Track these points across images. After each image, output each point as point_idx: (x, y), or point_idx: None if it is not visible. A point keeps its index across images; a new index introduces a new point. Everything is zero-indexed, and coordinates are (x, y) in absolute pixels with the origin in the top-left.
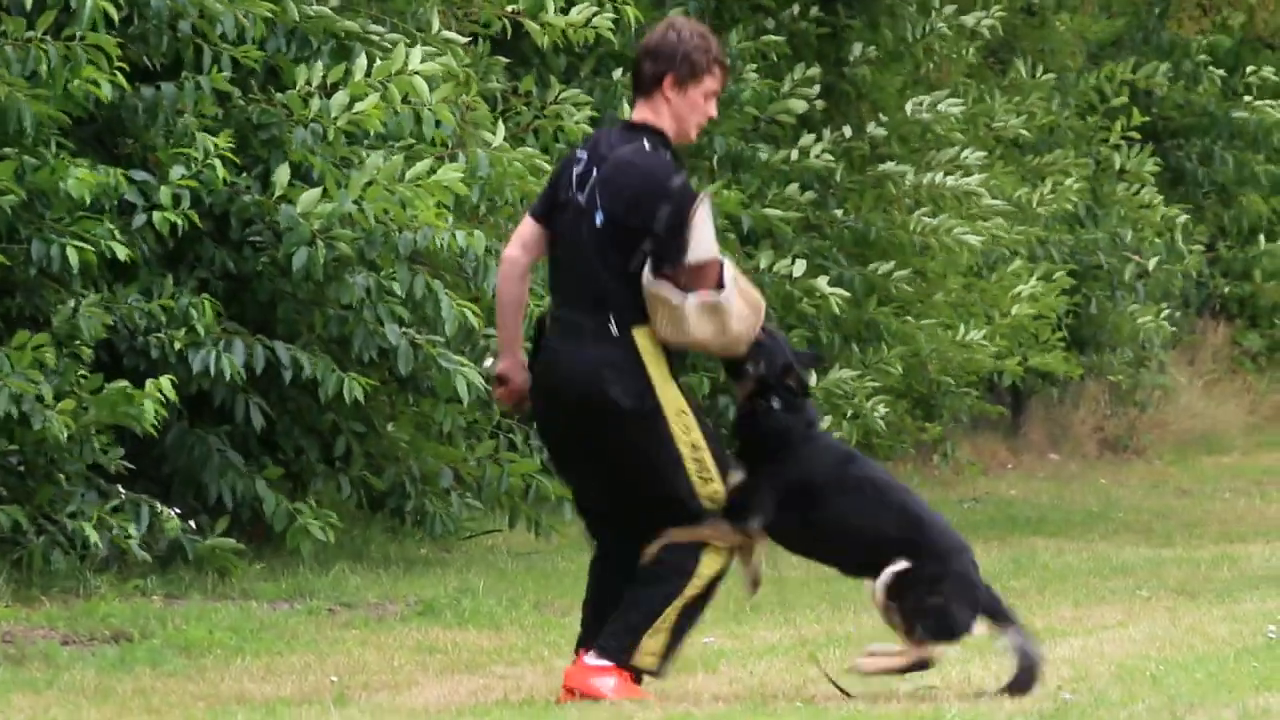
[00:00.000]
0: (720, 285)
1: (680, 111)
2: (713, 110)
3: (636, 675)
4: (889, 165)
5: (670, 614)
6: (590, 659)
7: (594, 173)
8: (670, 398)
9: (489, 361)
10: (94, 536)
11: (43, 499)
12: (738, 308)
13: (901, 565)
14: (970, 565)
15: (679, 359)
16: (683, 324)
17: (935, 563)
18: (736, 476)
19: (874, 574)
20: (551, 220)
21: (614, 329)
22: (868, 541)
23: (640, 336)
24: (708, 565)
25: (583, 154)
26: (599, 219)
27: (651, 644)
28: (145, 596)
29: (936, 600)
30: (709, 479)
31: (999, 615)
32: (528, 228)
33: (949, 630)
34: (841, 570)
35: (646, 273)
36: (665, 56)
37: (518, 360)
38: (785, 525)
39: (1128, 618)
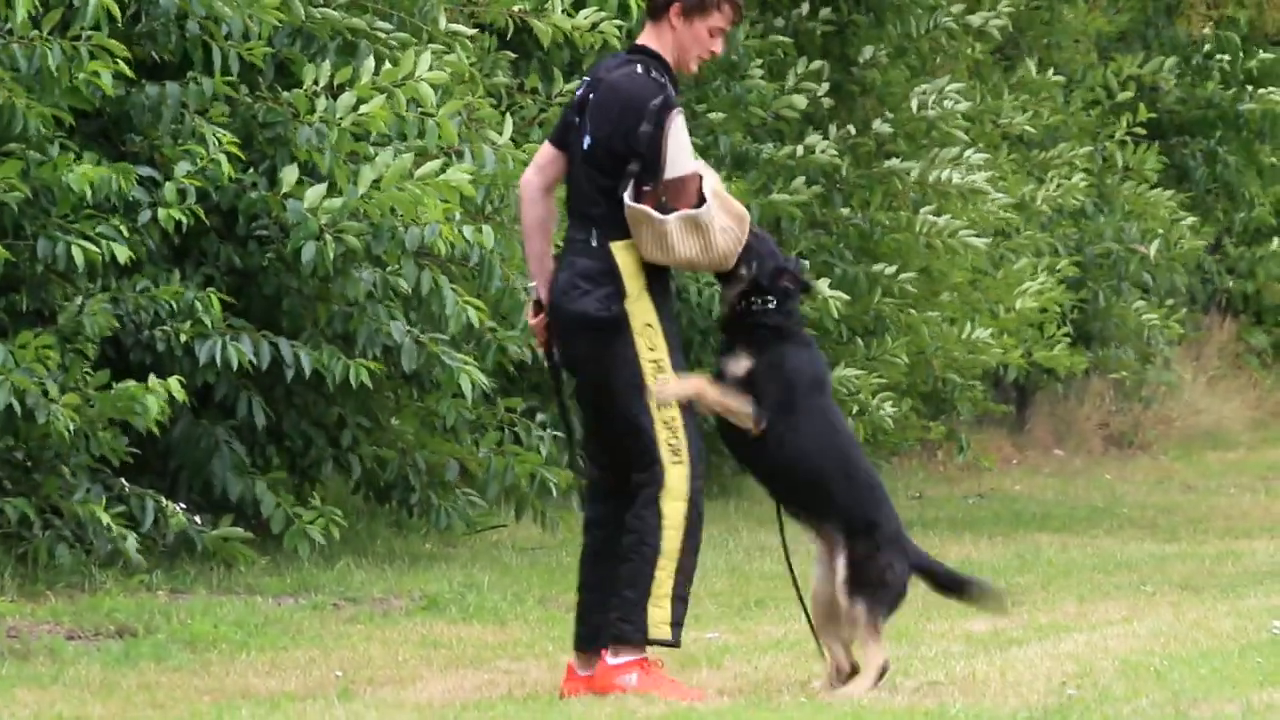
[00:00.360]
0: (700, 200)
1: (683, 41)
2: (718, 47)
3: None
4: (894, 161)
5: (664, 579)
6: (611, 658)
7: (591, 95)
8: (640, 311)
9: (532, 283)
10: (106, 519)
11: (49, 490)
12: (720, 221)
13: (843, 561)
14: (894, 517)
15: (661, 278)
16: (667, 242)
17: (870, 536)
18: (742, 364)
19: (796, 512)
20: (566, 145)
21: (594, 241)
22: (807, 478)
23: (618, 250)
24: (670, 513)
25: (586, 79)
26: (586, 141)
27: (658, 614)
28: (150, 591)
29: (887, 576)
30: (667, 402)
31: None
32: (543, 151)
33: (898, 593)
34: (773, 495)
35: (628, 195)
36: None
37: (548, 283)
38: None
39: (1132, 613)
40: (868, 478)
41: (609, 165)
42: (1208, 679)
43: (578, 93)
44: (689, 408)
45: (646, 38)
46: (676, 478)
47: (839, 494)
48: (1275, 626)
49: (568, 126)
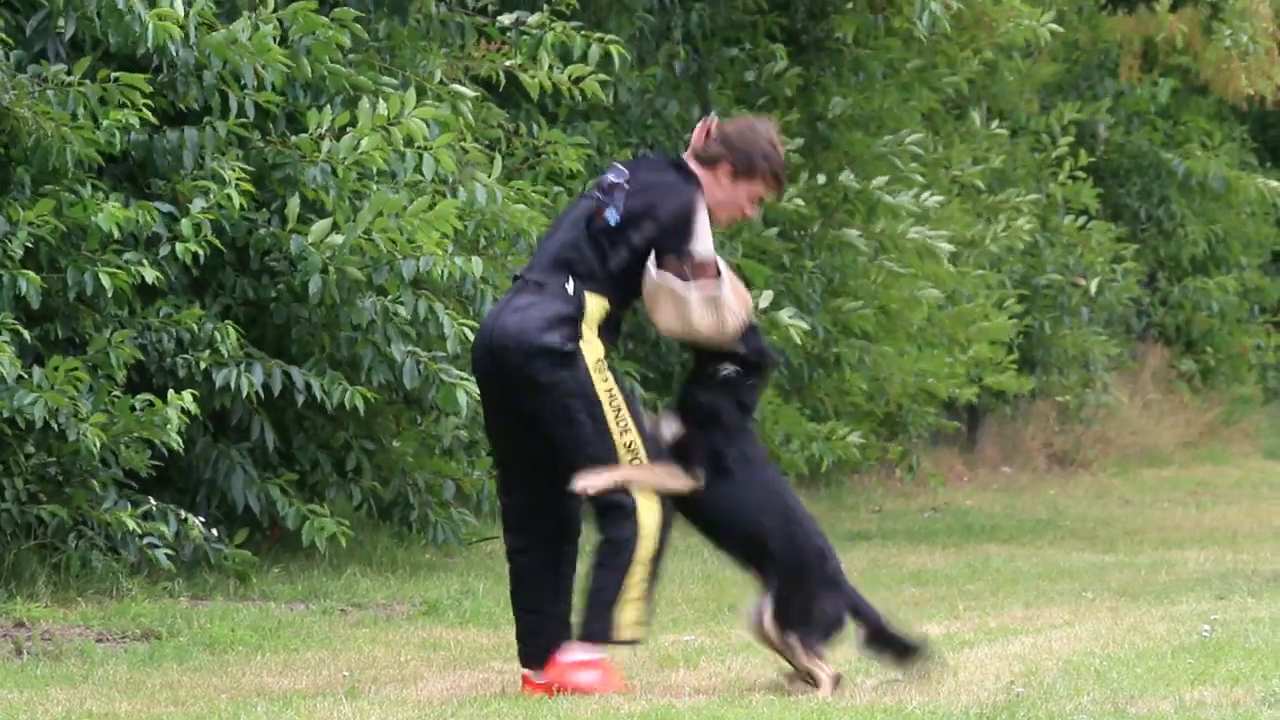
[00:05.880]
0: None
1: (723, 198)
2: (752, 211)
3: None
4: (851, 233)
5: (634, 583)
6: (564, 656)
7: (626, 186)
8: (592, 351)
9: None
10: (132, 525)
11: (79, 503)
12: (731, 301)
13: (769, 600)
14: (836, 570)
15: (609, 335)
16: (688, 313)
17: (795, 571)
18: (673, 427)
19: (740, 562)
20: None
21: (570, 288)
22: (747, 530)
23: (590, 301)
24: (646, 523)
25: (623, 169)
26: (613, 218)
27: (628, 615)
28: (173, 598)
29: (813, 604)
30: (626, 429)
31: (861, 611)
32: None
33: (832, 626)
34: (716, 545)
35: (650, 267)
36: (732, 146)
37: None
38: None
39: (1074, 617)
40: (803, 523)
41: (627, 251)
42: (1143, 678)
43: (609, 177)
44: (644, 428)
45: (699, 174)
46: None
47: (775, 543)
48: (1205, 630)
49: (582, 198)
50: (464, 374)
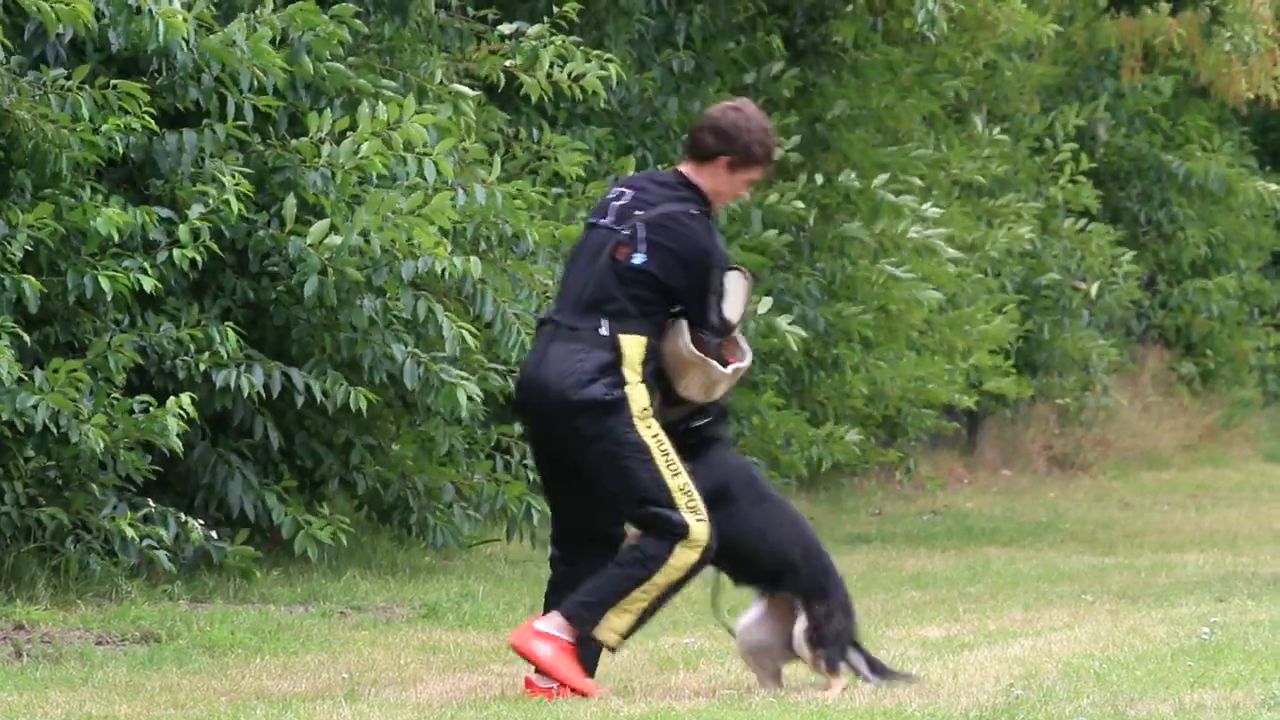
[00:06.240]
0: (740, 352)
1: (723, 187)
2: (747, 193)
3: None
4: (853, 226)
5: (640, 597)
6: (540, 624)
7: (637, 212)
8: (638, 396)
9: None
10: (131, 533)
11: (79, 506)
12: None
13: (802, 621)
14: (846, 589)
15: (654, 373)
16: (716, 389)
17: (825, 596)
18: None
19: (760, 586)
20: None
21: (604, 330)
22: (769, 554)
23: (627, 343)
24: (680, 557)
25: (626, 191)
26: (639, 259)
27: (617, 621)
28: (172, 601)
29: (839, 626)
30: (677, 472)
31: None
32: None
33: (848, 645)
34: (733, 577)
35: (685, 342)
36: (729, 138)
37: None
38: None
39: (1074, 620)
40: (818, 547)
41: (656, 289)
42: (1143, 680)
43: (615, 202)
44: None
45: (690, 172)
46: (700, 531)
47: (801, 565)
48: (1205, 633)
49: (592, 228)
50: (464, 374)
